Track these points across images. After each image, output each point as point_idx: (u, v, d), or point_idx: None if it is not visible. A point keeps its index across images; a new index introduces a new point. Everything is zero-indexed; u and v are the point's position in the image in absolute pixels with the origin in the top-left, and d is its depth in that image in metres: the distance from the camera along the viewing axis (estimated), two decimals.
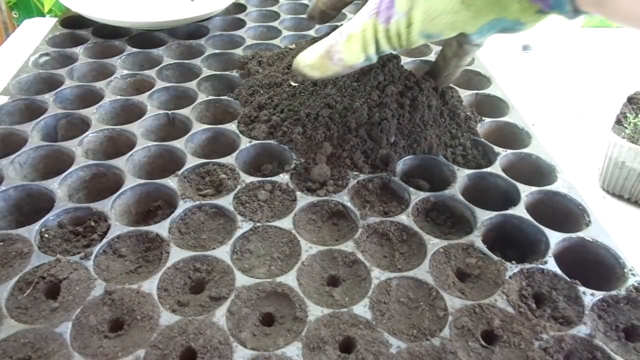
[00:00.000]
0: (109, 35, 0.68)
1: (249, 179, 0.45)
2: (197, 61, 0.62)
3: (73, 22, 0.71)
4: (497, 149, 0.50)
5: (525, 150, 0.50)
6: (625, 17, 0.27)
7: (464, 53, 0.44)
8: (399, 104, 0.47)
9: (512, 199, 0.45)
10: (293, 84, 0.51)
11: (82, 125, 0.51)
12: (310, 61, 0.39)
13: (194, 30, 0.71)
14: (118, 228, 0.40)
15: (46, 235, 0.39)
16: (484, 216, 0.42)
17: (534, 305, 0.36)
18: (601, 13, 0.28)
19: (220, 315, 0.34)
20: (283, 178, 0.45)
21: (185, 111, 0.53)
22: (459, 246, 0.40)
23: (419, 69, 0.64)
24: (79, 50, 0.64)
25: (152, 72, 0.60)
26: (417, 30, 0.35)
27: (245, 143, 0.49)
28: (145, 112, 0.53)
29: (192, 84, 0.58)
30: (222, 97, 0.56)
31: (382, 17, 0.35)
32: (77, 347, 0.32)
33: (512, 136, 0.53)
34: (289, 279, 0.36)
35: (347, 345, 0.33)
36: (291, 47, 0.60)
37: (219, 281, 0.37)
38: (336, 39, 0.38)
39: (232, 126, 0.51)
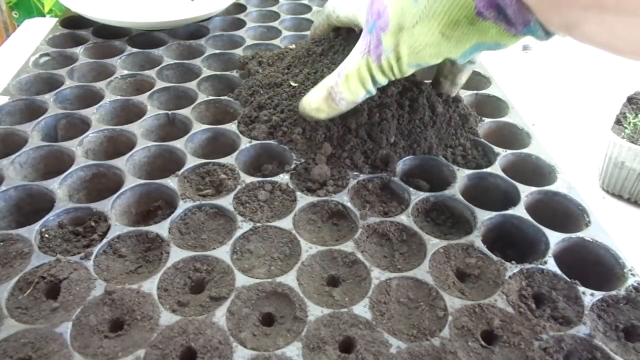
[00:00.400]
0: (109, 36, 0.68)
1: (249, 179, 0.45)
2: (197, 61, 0.62)
3: (73, 23, 0.71)
4: (497, 149, 0.50)
5: (525, 150, 0.50)
6: (592, 42, 0.29)
7: (458, 71, 0.47)
8: (399, 105, 0.47)
9: (512, 199, 0.45)
10: (293, 84, 0.51)
11: (82, 126, 0.51)
12: (315, 104, 0.42)
13: (194, 30, 0.71)
14: (118, 228, 0.40)
15: (46, 236, 0.39)
16: (484, 216, 0.42)
17: (533, 305, 0.36)
18: (571, 37, 0.30)
19: (220, 315, 0.34)
20: (283, 178, 0.45)
21: (186, 111, 0.53)
22: (459, 246, 0.40)
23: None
24: (79, 50, 0.64)
25: (152, 72, 0.60)
26: (406, 63, 0.38)
27: (245, 143, 0.49)
28: (145, 112, 0.53)
29: (192, 84, 0.58)
30: (222, 97, 0.56)
31: (373, 55, 0.38)
32: (77, 347, 0.32)
33: (512, 136, 0.53)
34: (289, 279, 0.36)
35: (347, 345, 0.33)
36: (291, 47, 0.60)
37: (219, 281, 0.37)
38: (335, 80, 0.41)
39: (232, 126, 0.51)
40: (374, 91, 0.41)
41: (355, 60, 0.39)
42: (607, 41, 0.28)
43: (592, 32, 0.28)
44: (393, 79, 0.40)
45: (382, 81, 0.40)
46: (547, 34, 0.33)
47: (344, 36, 0.50)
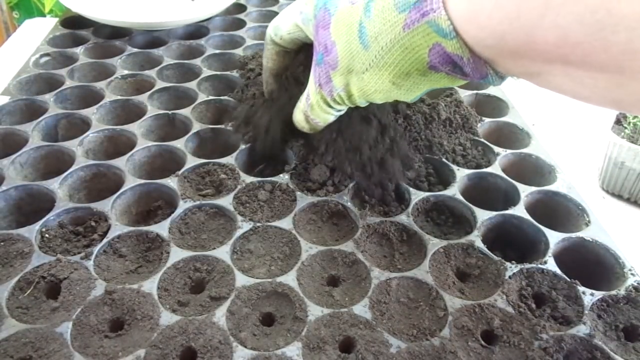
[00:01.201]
0: (110, 36, 0.68)
1: (249, 179, 0.45)
2: (197, 61, 0.62)
3: (73, 23, 0.71)
4: (497, 149, 0.50)
5: (525, 150, 0.50)
6: (556, 90, 0.29)
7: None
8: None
9: (512, 199, 0.45)
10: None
11: (83, 125, 0.51)
12: (301, 125, 0.43)
13: (194, 30, 0.71)
14: (118, 228, 0.40)
15: (47, 235, 0.40)
16: (484, 216, 0.42)
17: (533, 305, 0.36)
18: (533, 83, 0.30)
19: (220, 315, 0.34)
20: (283, 178, 0.45)
21: (186, 111, 0.53)
22: (459, 246, 0.40)
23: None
24: (79, 50, 0.64)
25: (152, 72, 0.60)
26: (357, 100, 0.37)
27: (245, 143, 0.49)
28: (145, 112, 0.53)
29: (193, 84, 0.58)
30: (222, 97, 0.56)
31: (325, 90, 0.38)
32: (77, 347, 0.32)
33: (512, 136, 0.53)
34: (289, 279, 0.36)
35: (347, 345, 0.33)
36: None
37: (219, 281, 0.37)
38: (305, 107, 0.41)
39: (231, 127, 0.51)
40: (342, 112, 0.40)
41: (312, 92, 0.39)
42: (572, 90, 0.28)
43: (556, 82, 0.28)
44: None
45: (343, 108, 0.40)
46: (502, 79, 0.32)
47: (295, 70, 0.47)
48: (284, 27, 0.42)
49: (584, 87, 0.27)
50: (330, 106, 0.39)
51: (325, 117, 0.40)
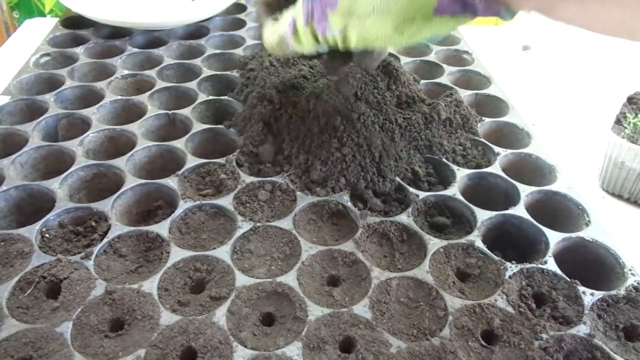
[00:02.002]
0: (110, 36, 0.68)
1: (249, 179, 0.45)
2: (197, 61, 0.62)
3: (74, 23, 0.71)
4: (497, 148, 0.50)
5: (525, 150, 0.50)
6: (569, 23, 0.28)
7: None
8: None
9: (512, 199, 0.45)
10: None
11: (83, 125, 0.51)
12: (271, 45, 0.41)
13: (194, 30, 0.71)
14: (118, 228, 0.40)
15: (47, 235, 0.40)
16: (484, 216, 0.42)
17: (534, 305, 0.36)
18: (545, 17, 0.29)
19: (220, 315, 0.34)
20: (283, 178, 0.45)
21: (186, 111, 0.53)
22: (459, 246, 0.40)
23: (419, 69, 0.64)
24: (79, 50, 0.64)
25: (152, 72, 0.60)
26: (353, 45, 0.36)
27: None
28: (145, 112, 0.53)
29: (193, 84, 0.58)
30: (222, 97, 0.56)
31: (317, 26, 0.36)
32: (77, 347, 0.32)
33: (512, 136, 0.53)
34: (289, 279, 0.36)
35: (347, 345, 0.33)
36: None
37: (219, 281, 0.37)
38: (285, 30, 0.39)
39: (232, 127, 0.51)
40: (326, 48, 0.39)
41: (300, 24, 0.37)
42: (585, 23, 0.28)
43: (569, 16, 0.28)
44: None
45: (327, 47, 0.38)
46: (513, 15, 0.32)
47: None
48: None
49: (598, 19, 0.27)
50: (318, 42, 0.37)
51: (309, 49, 0.39)
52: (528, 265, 0.38)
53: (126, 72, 0.60)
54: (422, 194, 0.44)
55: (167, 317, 0.33)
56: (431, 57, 0.66)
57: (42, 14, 1.23)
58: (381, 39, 0.34)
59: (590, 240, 0.41)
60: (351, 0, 0.33)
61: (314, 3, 0.35)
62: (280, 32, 0.39)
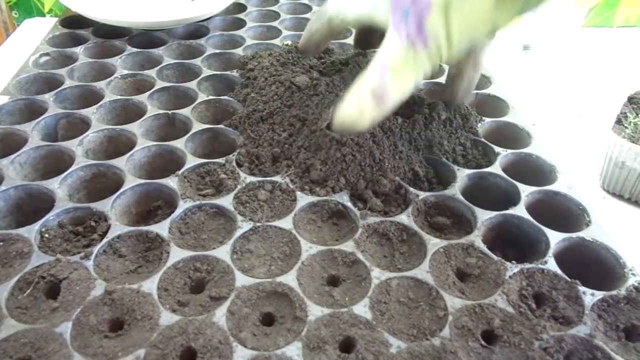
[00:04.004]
0: (109, 35, 0.68)
1: (249, 179, 0.45)
2: (197, 61, 0.62)
3: (73, 22, 0.71)
4: (497, 148, 0.50)
5: (525, 150, 0.50)
6: None
7: (477, 56, 0.44)
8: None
9: (512, 199, 0.45)
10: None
11: (82, 125, 0.51)
12: (357, 111, 0.37)
13: (194, 30, 0.71)
14: (118, 228, 0.40)
15: (46, 235, 0.39)
16: (484, 216, 0.42)
17: (534, 305, 0.36)
18: None
19: (220, 315, 0.34)
20: (283, 178, 0.45)
21: (186, 111, 0.53)
22: (459, 246, 0.40)
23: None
24: (79, 50, 0.64)
25: (152, 72, 0.60)
26: (457, 42, 0.34)
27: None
28: (145, 112, 0.53)
29: (192, 84, 0.58)
30: (222, 97, 0.56)
31: (418, 42, 0.34)
32: (77, 347, 0.32)
33: (512, 136, 0.53)
34: (289, 279, 0.36)
35: (347, 345, 0.33)
36: (286, 43, 0.59)
37: (219, 281, 0.37)
38: (377, 79, 0.36)
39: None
40: (421, 84, 0.37)
41: (398, 51, 0.35)
42: None
43: None
44: (440, 63, 0.36)
45: (429, 70, 0.36)
46: None
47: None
48: (352, 9, 0.41)
49: None
50: (419, 63, 0.35)
51: (409, 85, 0.36)
52: (528, 266, 0.38)
53: (126, 72, 0.60)
54: (422, 194, 0.44)
55: (166, 317, 0.33)
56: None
57: (42, 14, 1.23)
58: (482, 22, 0.33)
59: (591, 240, 0.41)
60: None
61: (407, 23, 0.34)
62: (370, 86, 0.36)
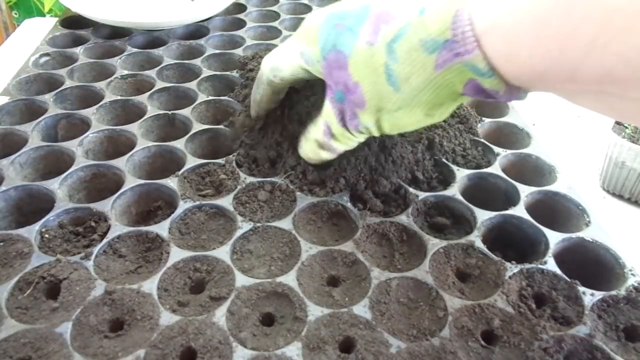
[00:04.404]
0: (109, 36, 0.68)
1: (249, 179, 0.45)
2: (197, 61, 0.62)
3: (73, 22, 0.71)
4: (497, 149, 0.50)
5: (525, 150, 0.50)
6: (583, 106, 0.30)
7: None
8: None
9: (512, 199, 0.45)
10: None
11: (83, 126, 0.51)
12: (313, 154, 0.42)
13: (194, 30, 0.71)
14: (118, 228, 0.40)
15: (46, 236, 0.39)
16: (484, 216, 0.42)
17: (533, 306, 0.36)
18: (560, 96, 0.31)
19: (220, 315, 0.34)
20: (283, 178, 0.45)
21: (186, 111, 0.53)
22: (459, 246, 0.40)
23: None
24: (79, 50, 0.64)
25: (152, 73, 0.60)
26: (387, 132, 0.37)
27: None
28: (145, 112, 0.53)
29: (192, 84, 0.58)
30: (222, 97, 0.56)
31: (351, 125, 0.37)
32: (77, 347, 0.32)
33: (512, 136, 0.53)
34: (289, 279, 0.36)
35: (347, 345, 0.33)
36: None
37: (219, 281, 0.37)
38: (322, 138, 0.40)
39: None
40: (363, 139, 0.40)
41: (334, 125, 0.38)
42: (599, 109, 0.29)
43: (585, 103, 0.29)
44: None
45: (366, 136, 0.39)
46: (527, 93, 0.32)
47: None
48: (285, 68, 0.41)
49: (613, 109, 0.28)
50: (354, 136, 0.38)
51: (352, 144, 0.40)
52: (528, 266, 0.38)
53: (126, 72, 0.60)
54: (422, 194, 0.44)
55: (166, 318, 0.33)
56: None
57: (42, 14, 1.23)
58: (413, 125, 0.36)
59: (591, 240, 0.41)
60: (378, 99, 0.34)
61: (344, 106, 0.37)
62: (317, 139, 0.40)
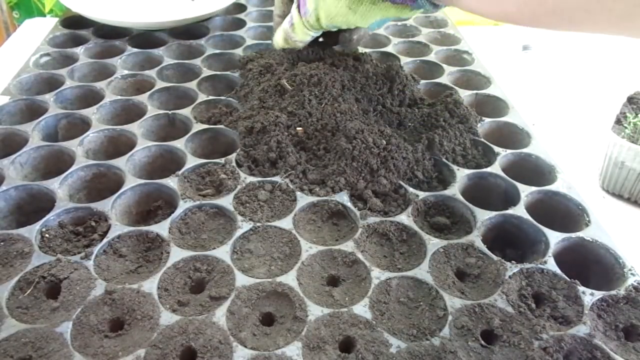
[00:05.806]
0: (110, 36, 0.68)
1: (249, 179, 0.45)
2: (197, 61, 0.62)
3: (74, 23, 0.71)
4: (497, 149, 0.50)
5: (525, 150, 0.50)
6: (469, 10, 0.40)
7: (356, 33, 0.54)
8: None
9: (512, 199, 0.45)
10: (288, 86, 0.51)
11: (83, 125, 0.51)
12: (281, 44, 0.54)
13: (194, 30, 0.71)
14: (118, 228, 0.40)
15: (47, 235, 0.40)
16: (484, 216, 0.42)
17: (533, 305, 0.36)
18: (455, 6, 0.41)
19: (220, 315, 0.34)
20: (283, 178, 0.45)
21: (186, 111, 0.53)
22: (459, 246, 0.40)
23: (418, 69, 0.64)
24: (79, 50, 0.64)
25: (152, 72, 0.60)
26: (324, 24, 0.47)
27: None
28: (145, 112, 0.53)
29: (193, 84, 0.58)
30: (222, 97, 0.56)
31: (302, 11, 0.48)
32: (77, 347, 0.32)
33: (512, 136, 0.53)
34: (289, 278, 0.36)
35: (347, 345, 0.33)
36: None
37: (219, 281, 0.37)
38: (287, 28, 0.51)
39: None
40: (318, 33, 0.51)
41: (294, 14, 0.49)
42: (487, 11, 0.39)
43: (472, 5, 0.39)
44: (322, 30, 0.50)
45: (315, 31, 0.50)
46: (435, 7, 0.43)
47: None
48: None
49: (496, 6, 0.37)
50: (306, 27, 0.49)
51: (304, 37, 0.51)
52: (528, 265, 0.38)
53: (126, 72, 0.60)
54: (422, 194, 0.44)
55: (167, 317, 0.33)
56: (431, 57, 0.66)
57: (42, 14, 1.23)
58: (340, 16, 0.46)
59: (590, 240, 0.41)
60: None
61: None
62: (284, 29, 0.51)
